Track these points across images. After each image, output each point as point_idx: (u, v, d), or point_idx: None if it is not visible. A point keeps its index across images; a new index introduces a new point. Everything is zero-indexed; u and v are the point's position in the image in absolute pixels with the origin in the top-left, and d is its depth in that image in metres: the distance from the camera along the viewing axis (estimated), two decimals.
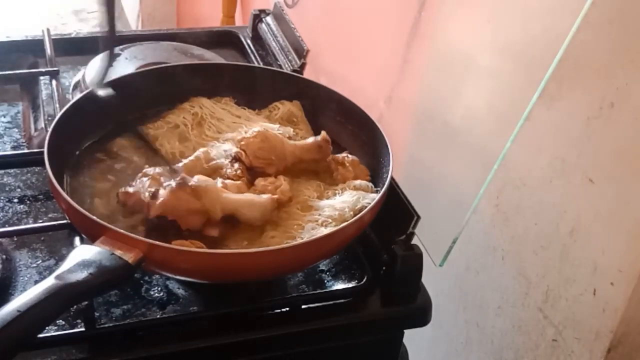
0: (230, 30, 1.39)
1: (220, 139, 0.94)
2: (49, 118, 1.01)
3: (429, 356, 1.19)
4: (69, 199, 0.75)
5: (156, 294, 0.81)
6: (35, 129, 1.05)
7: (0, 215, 0.90)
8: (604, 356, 0.81)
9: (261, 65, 1.22)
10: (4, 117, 1.09)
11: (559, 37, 0.73)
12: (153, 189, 0.79)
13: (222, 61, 1.18)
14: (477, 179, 0.81)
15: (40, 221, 0.90)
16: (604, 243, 0.79)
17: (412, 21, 1.05)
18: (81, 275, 0.67)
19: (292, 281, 0.85)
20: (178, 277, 0.80)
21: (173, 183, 0.79)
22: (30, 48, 1.20)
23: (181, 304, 0.80)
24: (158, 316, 0.78)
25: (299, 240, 0.79)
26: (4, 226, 0.88)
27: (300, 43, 1.21)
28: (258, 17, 1.33)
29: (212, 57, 1.20)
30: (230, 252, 0.77)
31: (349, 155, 0.92)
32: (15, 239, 0.86)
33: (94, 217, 0.74)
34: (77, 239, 0.79)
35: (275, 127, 0.96)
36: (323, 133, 0.92)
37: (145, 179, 0.82)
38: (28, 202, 0.93)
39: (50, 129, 0.84)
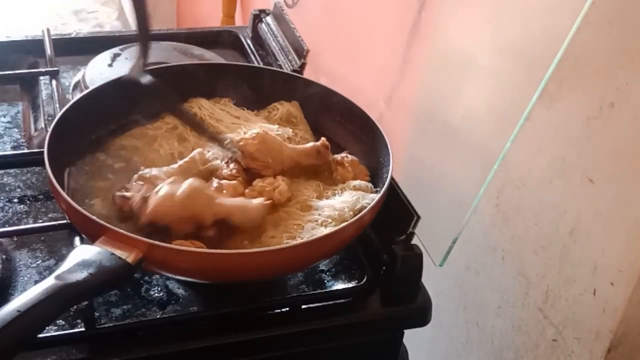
0: (230, 30, 1.39)
1: None
2: (49, 118, 1.01)
3: (429, 356, 1.19)
4: (69, 199, 0.75)
5: (156, 294, 0.81)
6: (35, 129, 1.05)
7: (0, 215, 0.90)
8: (604, 356, 0.81)
9: (261, 65, 1.22)
10: (4, 117, 1.09)
11: (559, 37, 0.73)
12: (143, 195, 0.78)
13: (222, 61, 1.18)
14: (477, 179, 0.82)
15: (40, 221, 0.90)
16: (604, 243, 0.79)
17: (412, 21, 1.05)
18: (81, 275, 0.67)
19: (292, 281, 0.85)
20: (178, 277, 0.80)
21: (162, 190, 0.78)
22: (30, 48, 1.20)
23: (181, 304, 0.80)
24: (158, 316, 0.78)
25: (299, 240, 0.79)
26: (4, 226, 0.88)
27: (300, 43, 1.21)
28: (258, 17, 1.33)
29: (212, 57, 1.20)
30: (230, 252, 0.77)
31: (349, 156, 0.92)
32: (15, 239, 0.86)
33: (94, 217, 0.74)
34: (77, 239, 0.79)
35: (274, 127, 0.96)
36: (322, 139, 0.92)
37: (141, 182, 0.82)
38: (28, 202, 0.93)
39: (50, 129, 0.84)
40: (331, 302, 0.83)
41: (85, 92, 0.94)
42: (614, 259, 0.78)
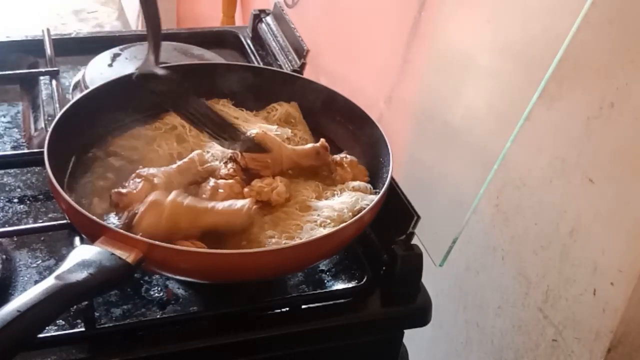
0: (230, 30, 1.39)
1: None
2: (49, 118, 1.01)
3: (429, 356, 1.19)
4: (69, 199, 0.75)
5: (156, 294, 0.81)
6: (35, 129, 1.05)
7: (0, 215, 0.90)
8: (604, 356, 0.81)
9: (261, 65, 1.22)
10: (4, 117, 1.09)
11: (559, 37, 0.73)
12: (127, 217, 0.77)
13: (222, 61, 1.18)
14: (477, 179, 0.82)
15: (40, 221, 0.90)
16: (604, 243, 0.79)
17: (412, 21, 1.05)
18: (81, 275, 0.67)
19: (292, 281, 0.85)
20: (178, 277, 0.80)
21: (147, 213, 0.76)
22: (30, 48, 1.20)
23: (181, 304, 0.80)
24: (158, 316, 0.78)
25: (299, 241, 0.79)
26: (4, 226, 0.88)
27: (300, 43, 1.21)
28: (258, 17, 1.33)
29: (212, 57, 1.20)
30: (230, 252, 0.77)
31: (348, 156, 0.92)
32: (15, 239, 0.86)
33: (94, 217, 0.74)
34: (77, 239, 0.79)
35: (273, 128, 0.96)
36: (322, 140, 0.92)
37: (138, 180, 0.82)
38: (28, 202, 0.93)
39: (50, 129, 0.84)
40: (331, 302, 0.83)
41: (85, 92, 0.94)
42: (614, 259, 0.78)
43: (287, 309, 0.81)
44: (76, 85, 1.11)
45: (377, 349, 0.88)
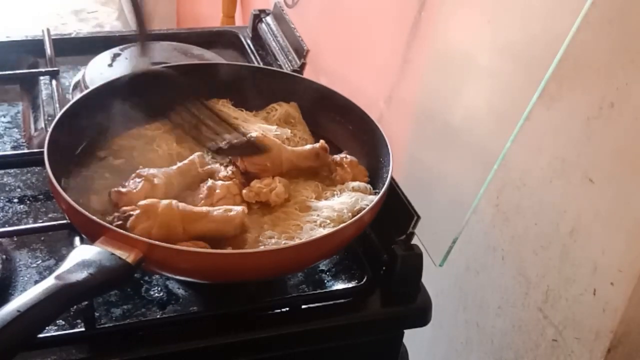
0: (230, 30, 1.39)
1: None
2: (49, 118, 1.01)
3: (429, 356, 1.19)
4: (69, 199, 0.75)
5: (156, 294, 0.81)
6: (35, 129, 1.05)
7: (0, 215, 0.90)
8: (604, 356, 0.81)
9: (261, 65, 1.22)
10: (4, 117, 1.09)
11: (559, 37, 0.73)
12: (120, 218, 0.76)
13: (222, 61, 1.18)
14: (477, 179, 0.81)
15: (40, 221, 0.90)
16: (604, 243, 0.79)
17: (412, 21, 1.05)
18: (81, 275, 0.67)
19: (292, 281, 0.85)
20: (178, 277, 0.80)
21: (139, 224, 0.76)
22: (30, 48, 1.20)
23: (181, 304, 0.80)
24: (158, 316, 0.78)
25: (299, 241, 0.79)
26: (4, 226, 0.88)
27: (300, 43, 1.21)
28: (258, 17, 1.33)
29: (212, 57, 1.20)
30: (230, 252, 0.77)
31: (348, 156, 0.92)
32: (15, 239, 0.86)
33: (94, 217, 0.74)
34: (77, 239, 0.79)
35: (272, 128, 0.96)
36: (321, 141, 0.92)
37: (138, 179, 0.82)
38: (28, 202, 0.93)
39: (50, 129, 0.84)
40: (331, 302, 0.83)
41: (85, 92, 0.94)
42: (614, 259, 0.78)
43: (287, 309, 0.81)
44: (76, 85, 1.11)
45: (377, 349, 0.88)
